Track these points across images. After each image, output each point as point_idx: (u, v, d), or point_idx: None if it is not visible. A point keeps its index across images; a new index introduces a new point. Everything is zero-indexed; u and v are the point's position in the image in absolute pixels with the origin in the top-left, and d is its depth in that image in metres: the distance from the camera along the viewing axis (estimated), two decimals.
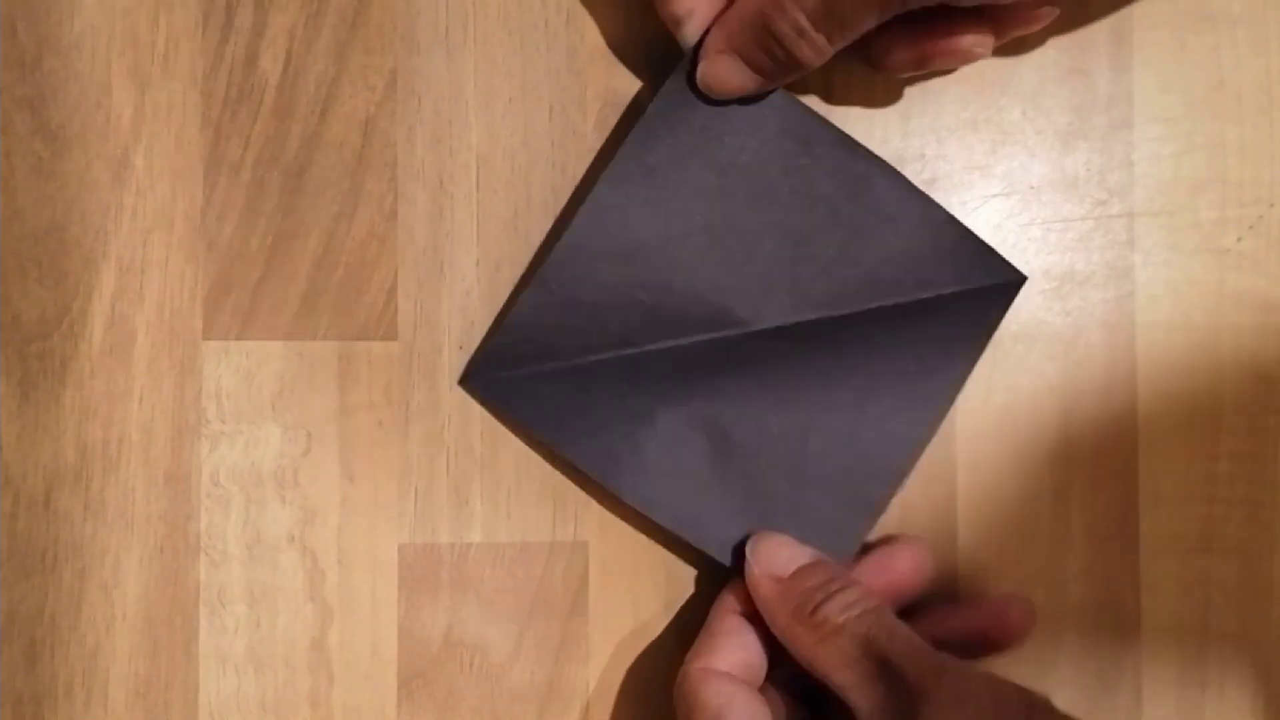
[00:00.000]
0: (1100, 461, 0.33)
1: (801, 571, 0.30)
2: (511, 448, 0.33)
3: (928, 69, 0.31)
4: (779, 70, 0.29)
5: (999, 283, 0.32)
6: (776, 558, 0.30)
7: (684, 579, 0.33)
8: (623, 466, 0.31)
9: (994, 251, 0.32)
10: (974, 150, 0.33)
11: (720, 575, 0.32)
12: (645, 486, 0.31)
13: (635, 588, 0.33)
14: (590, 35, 0.33)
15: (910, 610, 0.31)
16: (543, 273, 0.31)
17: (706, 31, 0.30)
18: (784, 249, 0.32)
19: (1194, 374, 0.33)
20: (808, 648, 0.28)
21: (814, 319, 0.32)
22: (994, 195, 0.33)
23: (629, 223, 0.31)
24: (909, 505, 0.33)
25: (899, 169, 0.32)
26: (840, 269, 0.32)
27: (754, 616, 0.30)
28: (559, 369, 0.32)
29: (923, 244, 0.32)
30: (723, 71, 0.30)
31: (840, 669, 0.28)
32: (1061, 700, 0.29)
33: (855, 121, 0.33)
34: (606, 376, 0.32)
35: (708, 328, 0.32)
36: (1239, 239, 0.34)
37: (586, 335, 0.32)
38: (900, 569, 0.31)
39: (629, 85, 0.33)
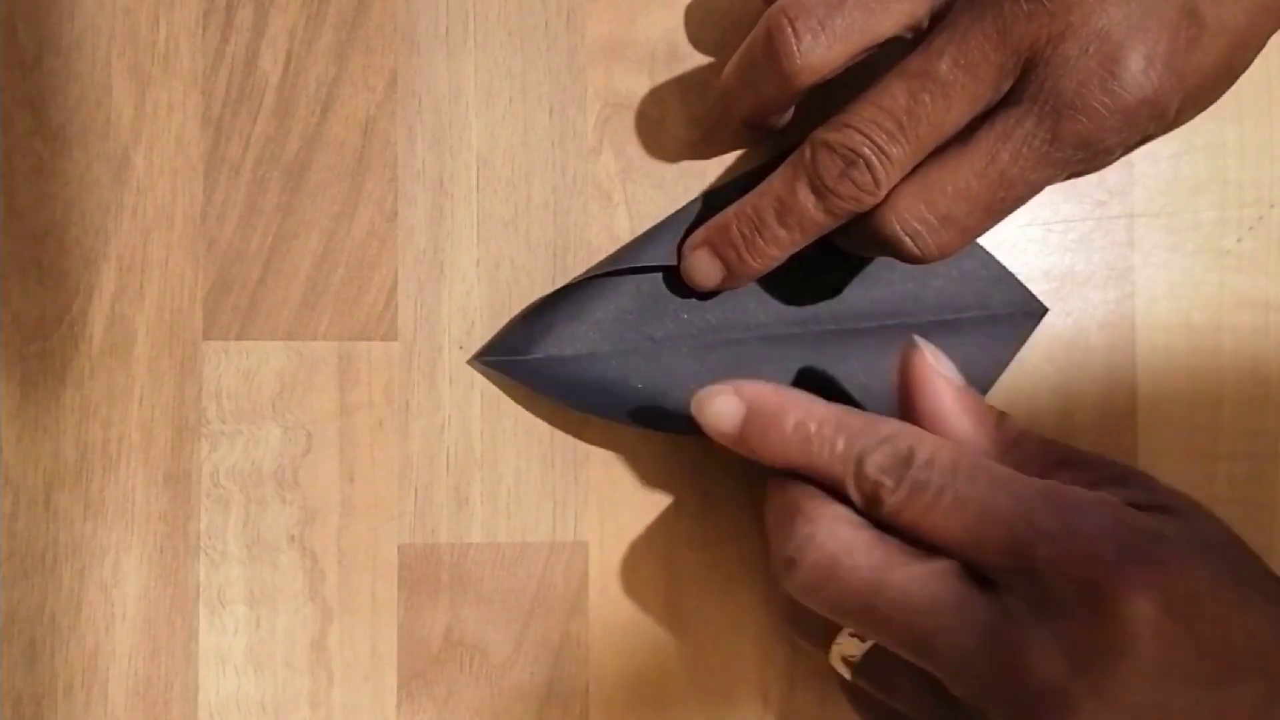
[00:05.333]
0: None
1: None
2: (511, 448, 0.33)
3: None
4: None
5: (1019, 311, 0.33)
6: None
7: (684, 579, 0.33)
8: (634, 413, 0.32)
9: (1016, 280, 0.33)
10: None
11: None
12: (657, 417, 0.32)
13: (635, 588, 0.33)
14: (590, 35, 0.33)
15: None
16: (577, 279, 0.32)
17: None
18: (809, 259, 0.32)
19: (1194, 374, 0.33)
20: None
21: (832, 329, 0.32)
22: None
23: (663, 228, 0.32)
24: None
25: None
26: (862, 282, 0.32)
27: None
28: (574, 355, 0.32)
29: (945, 265, 0.32)
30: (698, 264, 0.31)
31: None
32: None
33: None
34: (622, 367, 0.32)
35: (726, 328, 0.32)
36: (1239, 239, 0.34)
37: (603, 325, 0.32)
38: None
39: (629, 85, 0.33)
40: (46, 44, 0.32)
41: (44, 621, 0.32)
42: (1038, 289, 0.33)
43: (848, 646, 0.28)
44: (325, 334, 0.32)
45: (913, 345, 0.29)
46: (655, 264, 0.32)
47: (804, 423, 0.28)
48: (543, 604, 0.33)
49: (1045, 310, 0.33)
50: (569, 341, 0.32)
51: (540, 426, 0.33)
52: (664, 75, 0.33)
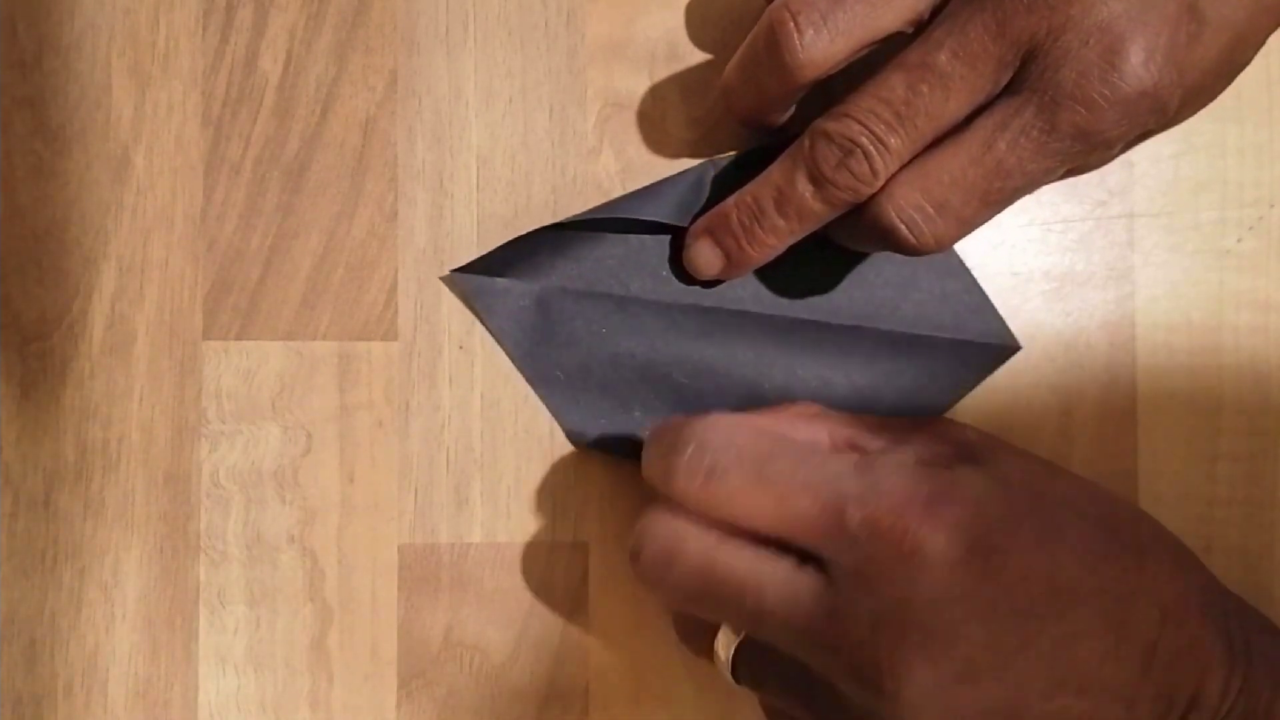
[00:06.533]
0: (1100, 462, 0.33)
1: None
2: (511, 448, 0.33)
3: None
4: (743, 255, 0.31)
5: (992, 343, 0.33)
6: None
7: None
8: (567, 395, 0.32)
9: (995, 312, 0.33)
10: None
11: None
12: (579, 416, 0.32)
13: (635, 588, 0.33)
14: (590, 35, 0.33)
15: None
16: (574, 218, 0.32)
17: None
18: (800, 249, 0.32)
19: (1194, 374, 0.33)
20: None
21: (804, 319, 0.32)
22: None
23: (663, 195, 0.32)
24: None
25: None
26: (845, 281, 0.33)
27: None
28: (546, 285, 0.32)
29: (930, 282, 0.33)
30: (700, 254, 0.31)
31: None
32: None
33: None
34: (591, 309, 0.32)
35: (703, 295, 0.32)
36: (1239, 239, 0.34)
37: (583, 264, 0.32)
38: None
39: (629, 85, 0.33)
40: (46, 44, 0.32)
41: (44, 621, 0.32)
42: (1038, 289, 0.33)
43: (720, 650, 0.28)
44: (325, 334, 0.32)
45: None
46: (651, 219, 0.32)
47: (649, 444, 0.28)
48: (543, 604, 0.33)
49: (1018, 348, 0.33)
50: (545, 272, 0.32)
51: (540, 426, 0.33)
52: (664, 75, 0.33)
